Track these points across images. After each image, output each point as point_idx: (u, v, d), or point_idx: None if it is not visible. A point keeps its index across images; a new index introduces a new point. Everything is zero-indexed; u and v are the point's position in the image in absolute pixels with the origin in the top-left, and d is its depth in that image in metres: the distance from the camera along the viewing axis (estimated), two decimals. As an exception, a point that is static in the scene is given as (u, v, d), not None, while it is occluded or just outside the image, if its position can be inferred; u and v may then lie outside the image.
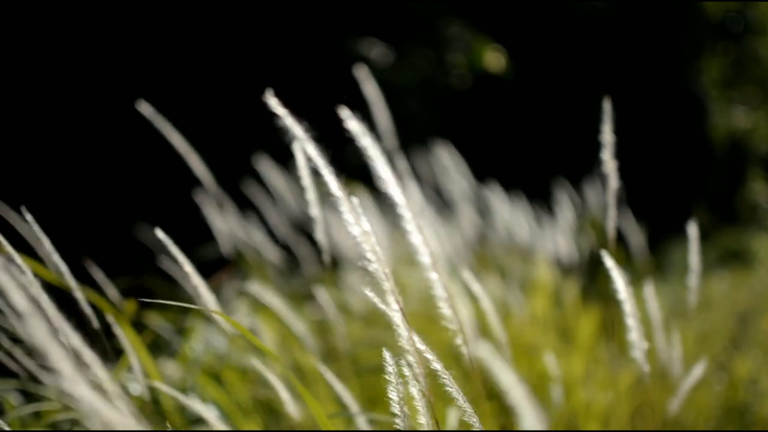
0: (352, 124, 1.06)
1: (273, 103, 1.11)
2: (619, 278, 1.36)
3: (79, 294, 1.26)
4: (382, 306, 1.03)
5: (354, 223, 1.03)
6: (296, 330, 1.92)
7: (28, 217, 1.27)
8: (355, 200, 1.05)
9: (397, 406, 0.99)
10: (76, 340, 0.92)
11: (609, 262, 1.37)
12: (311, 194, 1.42)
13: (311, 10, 6.37)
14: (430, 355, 1.03)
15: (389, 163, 1.08)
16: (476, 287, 1.63)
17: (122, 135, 5.37)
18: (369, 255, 1.03)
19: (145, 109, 2.15)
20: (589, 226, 3.78)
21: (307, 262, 3.14)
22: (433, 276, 1.08)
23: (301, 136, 1.10)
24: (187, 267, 1.35)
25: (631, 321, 1.38)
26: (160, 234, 1.36)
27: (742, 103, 11.06)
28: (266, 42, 6.13)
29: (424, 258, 1.07)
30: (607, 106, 1.52)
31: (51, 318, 0.99)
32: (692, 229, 1.85)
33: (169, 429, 1.37)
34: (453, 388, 1.03)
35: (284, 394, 1.40)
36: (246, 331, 1.15)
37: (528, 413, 0.76)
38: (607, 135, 1.52)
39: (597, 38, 9.08)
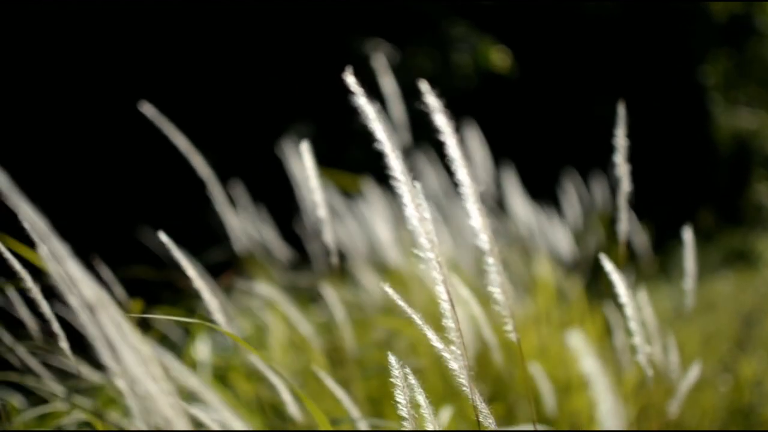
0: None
1: (350, 81, 1.09)
2: (620, 283, 1.35)
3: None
4: (401, 303, 1.02)
5: (413, 209, 1.03)
6: (303, 331, 1.92)
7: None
8: (418, 185, 1.05)
9: (405, 410, 0.99)
10: (134, 337, 0.93)
11: (609, 266, 1.37)
12: (318, 196, 1.42)
13: (317, 11, 6.37)
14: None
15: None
16: (465, 292, 1.62)
17: (130, 135, 5.38)
18: (424, 242, 1.03)
19: (148, 110, 2.15)
20: (595, 224, 3.78)
21: (319, 258, 3.14)
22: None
23: (374, 116, 1.09)
24: (191, 272, 1.35)
25: (634, 325, 1.37)
26: (163, 237, 1.35)
27: (746, 105, 11.04)
28: (274, 42, 6.14)
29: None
30: (621, 110, 1.51)
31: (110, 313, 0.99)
32: (687, 235, 1.83)
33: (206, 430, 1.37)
34: (471, 391, 1.02)
35: (286, 396, 1.40)
36: (245, 343, 1.15)
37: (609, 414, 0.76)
38: (621, 138, 1.52)
39: (602, 39, 9.07)
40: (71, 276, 0.77)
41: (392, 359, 0.99)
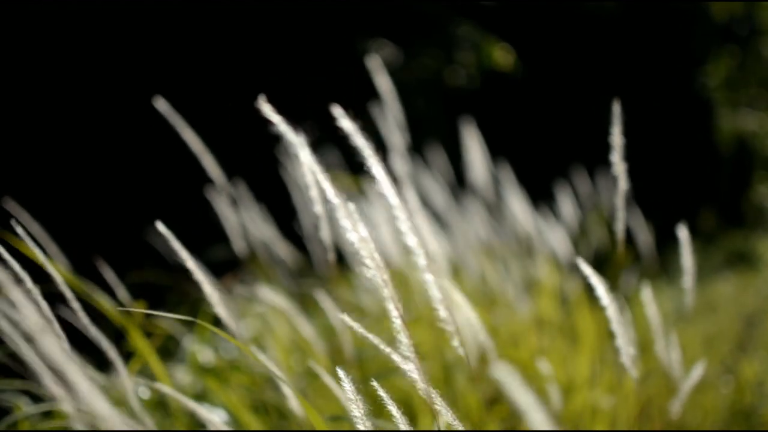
0: (346, 124, 1.07)
1: (267, 110, 1.11)
2: (599, 285, 1.35)
3: (76, 305, 1.26)
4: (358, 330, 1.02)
5: (351, 229, 1.03)
6: (306, 333, 1.92)
7: (35, 223, 1.27)
8: (351, 206, 1.04)
9: (361, 424, 1.00)
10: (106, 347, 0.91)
11: (587, 270, 1.36)
12: (314, 192, 1.42)
13: (323, 11, 6.38)
14: (419, 373, 1.03)
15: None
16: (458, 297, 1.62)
17: (134, 135, 5.38)
18: (367, 261, 1.03)
19: (161, 105, 2.15)
20: (596, 223, 3.79)
21: (320, 259, 3.14)
22: (428, 278, 1.08)
23: (299, 141, 1.11)
24: (191, 264, 1.35)
25: (617, 326, 1.37)
26: (161, 228, 1.35)
27: (748, 106, 11.03)
28: (277, 42, 6.14)
29: (420, 259, 1.07)
30: (616, 109, 1.51)
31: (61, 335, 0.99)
32: (683, 232, 1.84)
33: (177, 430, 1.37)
34: (441, 406, 1.03)
35: (287, 390, 1.40)
36: (246, 348, 1.15)
37: (536, 414, 0.77)
38: (617, 137, 1.51)
39: (603, 39, 9.07)
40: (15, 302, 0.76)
41: (341, 373, 0.99)
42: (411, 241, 1.07)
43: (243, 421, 1.81)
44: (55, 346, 0.72)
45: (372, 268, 1.03)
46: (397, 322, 1.03)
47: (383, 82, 2.55)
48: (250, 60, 6.05)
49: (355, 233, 1.03)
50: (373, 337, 1.03)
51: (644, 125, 8.80)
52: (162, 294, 2.88)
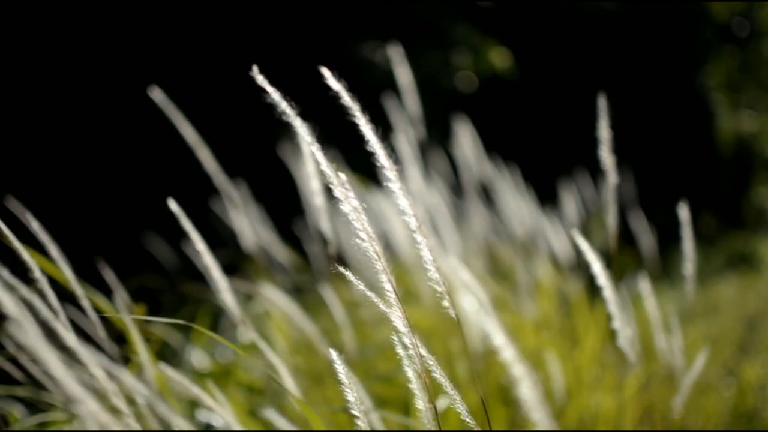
0: (333, 84, 1.05)
1: (280, 100, 1.09)
2: (595, 262, 1.34)
3: (86, 302, 1.25)
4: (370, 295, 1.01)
5: (344, 199, 1.01)
6: (308, 332, 1.91)
7: (36, 224, 1.26)
8: (343, 175, 1.02)
9: (355, 408, 0.99)
10: (72, 340, 0.90)
11: (588, 251, 1.35)
12: (315, 183, 1.40)
13: (318, 13, 6.37)
14: (418, 342, 1.01)
15: (397, 157, 1.06)
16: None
17: (132, 137, 5.37)
18: (360, 234, 1.01)
19: (156, 95, 2.13)
20: (599, 224, 3.78)
21: (320, 260, 3.13)
22: (425, 246, 1.05)
23: (298, 123, 1.09)
24: (203, 250, 1.34)
25: (613, 308, 1.36)
26: (173, 206, 1.33)
27: (748, 107, 11.02)
28: (276, 44, 6.14)
29: (419, 238, 1.04)
30: (602, 103, 1.52)
31: (46, 319, 0.98)
32: (683, 212, 1.84)
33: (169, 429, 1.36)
34: (438, 373, 1.01)
35: (288, 380, 1.38)
36: (244, 353, 1.14)
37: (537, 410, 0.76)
38: (604, 131, 1.51)
39: (604, 40, 9.06)
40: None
41: (334, 354, 0.98)
42: (424, 219, 1.05)
43: (240, 423, 1.80)
44: (32, 329, 0.70)
45: (365, 240, 1.00)
46: (390, 296, 1.01)
47: (403, 75, 2.55)
48: (248, 62, 6.04)
49: (348, 205, 1.01)
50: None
51: (644, 126, 8.78)
52: (160, 299, 2.87)
